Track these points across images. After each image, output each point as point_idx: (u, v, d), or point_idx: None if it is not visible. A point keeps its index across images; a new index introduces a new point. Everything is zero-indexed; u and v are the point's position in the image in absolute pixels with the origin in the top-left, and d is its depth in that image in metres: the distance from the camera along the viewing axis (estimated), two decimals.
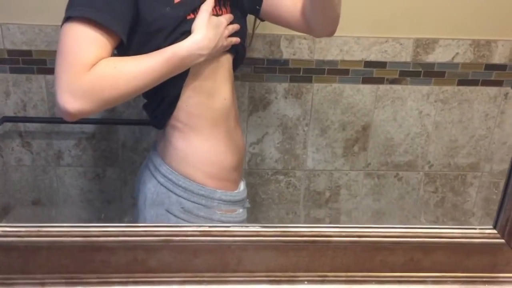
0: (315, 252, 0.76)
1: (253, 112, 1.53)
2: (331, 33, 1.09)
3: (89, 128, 1.53)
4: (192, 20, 0.95)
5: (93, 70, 0.86)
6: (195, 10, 0.96)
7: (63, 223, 0.73)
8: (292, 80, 1.50)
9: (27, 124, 1.51)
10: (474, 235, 0.76)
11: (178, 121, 1.04)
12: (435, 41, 1.46)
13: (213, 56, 0.99)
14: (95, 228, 0.73)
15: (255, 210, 1.62)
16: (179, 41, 0.94)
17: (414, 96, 1.54)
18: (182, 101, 1.02)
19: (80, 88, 0.85)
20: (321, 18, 1.05)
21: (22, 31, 1.40)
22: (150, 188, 1.09)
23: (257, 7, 1.13)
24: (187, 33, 0.94)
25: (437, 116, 1.57)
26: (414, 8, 1.42)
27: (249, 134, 1.56)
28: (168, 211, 1.06)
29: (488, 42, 1.49)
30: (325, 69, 1.49)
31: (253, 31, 1.23)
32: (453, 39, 1.48)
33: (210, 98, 1.04)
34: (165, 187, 1.06)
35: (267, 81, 1.50)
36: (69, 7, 0.88)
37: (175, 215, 1.05)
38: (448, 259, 0.77)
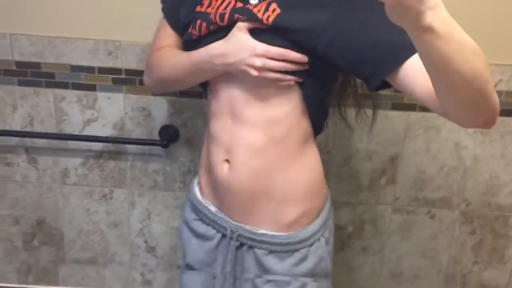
0: None
1: None
2: (483, 124, 0.81)
3: (97, 146, 1.45)
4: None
5: (156, 53, 1.11)
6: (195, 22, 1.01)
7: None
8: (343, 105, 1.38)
9: (34, 139, 1.44)
10: None
11: None
12: None
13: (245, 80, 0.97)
14: None
15: None
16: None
17: (450, 126, 1.39)
18: None
19: (147, 64, 1.15)
20: (448, 98, 0.76)
21: (32, 42, 1.34)
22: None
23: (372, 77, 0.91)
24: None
25: (476, 149, 1.41)
26: None
27: None
28: None
29: None
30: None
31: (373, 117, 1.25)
32: (496, 65, 1.33)
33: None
34: None
35: None
36: None
37: None
38: None
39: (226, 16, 0.96)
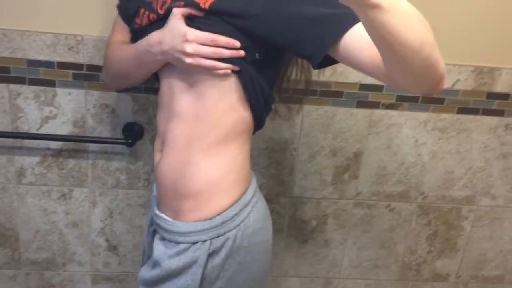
0: None
1: None
2: (431, 89, 0.82)
3: (56, 144, 1.38)
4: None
5: (109, 48, 1.11)
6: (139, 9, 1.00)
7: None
8: (280, 100, 1.38)
9: None
10: None
11: None
12: None
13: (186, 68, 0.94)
14: None
15: None
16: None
17: (410, 123, 1.44)
18: None
19: (103, 60, 1.14)
20: (397, 68, 0.77)
21: None
22: None
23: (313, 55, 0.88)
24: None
25: (434, 145, 1.47)
26: None
27: None
28: None
29: (491, 70, 1.39)
30: (317, 90, 1.38)
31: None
32: (454, 65, 1.38)
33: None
34: None
35: None
36: None
37: None
38: None
39: (167, 4, 0.94)
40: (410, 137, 1.46)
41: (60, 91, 1.33)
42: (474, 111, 1.44)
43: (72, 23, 1.27)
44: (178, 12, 0.92)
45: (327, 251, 1.59)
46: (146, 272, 1.01)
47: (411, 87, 0.81)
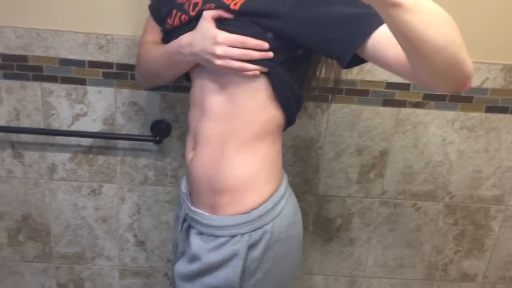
0: None
1: None
2: (457, 88, 0.81)
3: (86, 141, 1.42)
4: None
5: (142, 47, 1.13)
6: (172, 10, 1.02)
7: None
8: (307, 98, 1.38)
9: (20, 134, 1.40)
10: None
11: None
12: None
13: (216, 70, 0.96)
14: None
15: None
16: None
17: (438, 122, 1.43)
18: None
19: (136, 59, 1.17)
20: (422, 67, 0.77)
21: (18, 35, 1.29)
22: None
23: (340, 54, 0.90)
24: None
25: (462, 144, 1.46)
26: None
27: None
28: None
29: None
30: (343, 88, 1.38)
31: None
32: (483, 63, 1.37)
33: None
34: None
35: None
36: None
37: None
38: None
39: (198, 6, 0.96)
40: (437, 136, 1.45)
41: (90, 89, 1.36)
42: (503, 110, 1.42)
43: (102, 23, 1.29)
44: (208, 15, 0.93)
45: (352, 250, 1.59)
46: (183, 267, 1.03)
47: (437, 85, 0.81)
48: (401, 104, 1.41)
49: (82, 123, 1.40)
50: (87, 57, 1.32)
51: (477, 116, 1.42)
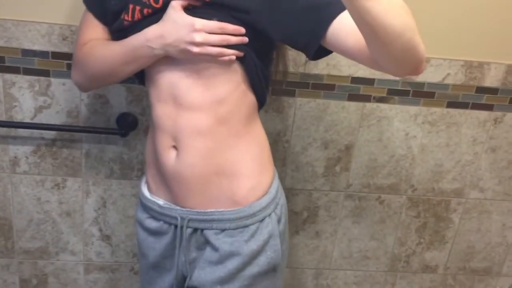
0: None
1: None
2: (412, 72, 0.86)
3: (50, 134, 1.39)
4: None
5: (83, 47, 1.05)
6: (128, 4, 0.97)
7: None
8: (274, 93, 1.40)
9: None
10: None
11: None
12: (426, 60, 1.37)
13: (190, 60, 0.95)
14: None
15: None
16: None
17: (401, 117, 1.46)
18: None
19: (75, 61, 1.08)
20: (381, 52, 0.81)
21: None
22: None
23: (309, 44, 0.93)
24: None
25: (424, 138, 1.49)
26: None
27: None
28: None
29: (481, 64, 1.42)
30: (309, 83, 1.40)
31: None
32: (444, 59, 1.40)
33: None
34: None
35: None
36: None
37: None
38: None
39: None
40: (401, 130, 1.48)
41: (54, 81, 1.33)
42: (463, 105, 1.46)
43: (66, 13, 1.27)
44: (178, 4, 0.92)
45: (318, 242, 1.61)
46: (213, 272, 1.02)
47: (393, 69, 0.86)
48: (366, 99, 1.43)
49: (45, 115, 1.37)
50: (51, 48, 1.30)
51: (438, 111, 1.46)
